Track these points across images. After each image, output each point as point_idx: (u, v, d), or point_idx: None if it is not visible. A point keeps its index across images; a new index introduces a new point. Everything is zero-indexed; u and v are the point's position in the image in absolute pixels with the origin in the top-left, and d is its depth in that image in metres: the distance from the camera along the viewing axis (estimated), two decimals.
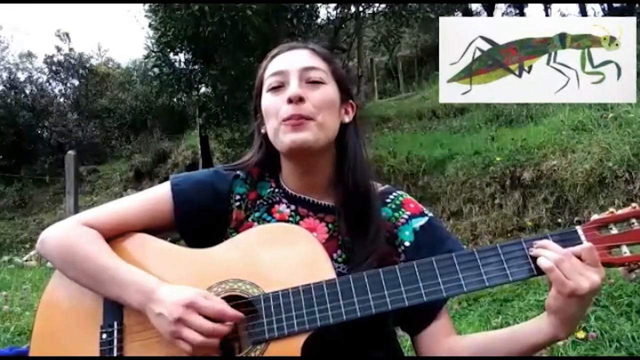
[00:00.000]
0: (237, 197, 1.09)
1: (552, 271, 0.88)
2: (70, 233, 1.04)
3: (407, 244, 1.06)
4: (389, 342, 1.09)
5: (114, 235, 1.06)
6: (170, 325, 0.90)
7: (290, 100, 1.01)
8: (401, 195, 1.13)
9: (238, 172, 1.12)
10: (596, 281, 0.87)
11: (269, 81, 1.07)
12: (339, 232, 1.06)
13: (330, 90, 1.06)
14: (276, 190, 1.12)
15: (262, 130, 1.10)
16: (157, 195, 1.10)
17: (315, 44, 1.13)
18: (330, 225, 1.07)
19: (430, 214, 1.11)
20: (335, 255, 1.04)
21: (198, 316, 0.89)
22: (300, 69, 1.04)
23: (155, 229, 1.09)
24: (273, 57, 1.10)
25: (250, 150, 1.15)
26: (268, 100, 1.06)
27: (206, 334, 0.89)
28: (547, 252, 0.90)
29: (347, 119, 1.09)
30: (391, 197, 1.12)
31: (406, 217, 1.09)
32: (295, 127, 1.00)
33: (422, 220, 1.08)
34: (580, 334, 2.50)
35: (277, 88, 1.05)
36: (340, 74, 1.11)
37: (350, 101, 1.12)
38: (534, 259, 0.91)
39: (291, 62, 1.06)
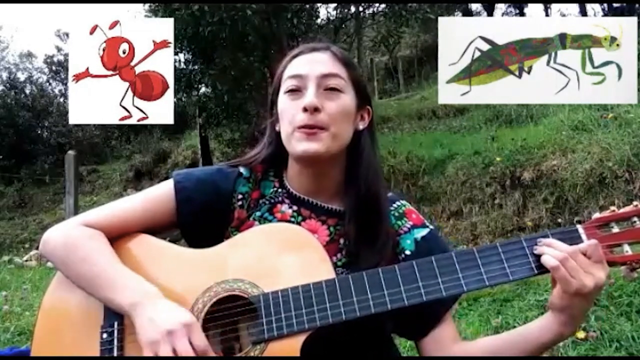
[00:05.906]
0: (240, 196, 1.09)
1: (557, 269, 0.87)
2: (72, 234, 1.03)
3: (407, 252, 1.07)
4: (387, 342, 1.09)
5: (116, 236, 1.05)
6: (157, 334, 0.87)
7: (305, 109, 1.00)
8: (404, 205, 1.13)
9: (241, 170, 1.11)
10: (601, 278, 0.87)
11: (287, 83, 1.06)
12: (340, 236, 1.06)
13: (347, 99, 1.05)
14: (279, 190, 1.11)
15: (277, 128, 1.10)
16: (160, 193, 1.09)
17: (336, 46, 1.11)
18: (332, 229, 1.07)
19: (432, 226, 1.12)
20: (335, 259, 1.04)
21: (187, 340, 0.86)
22: (320, 75, 1.03)
23: (157, 228, 1.09)
24: (294, 57, 1.09)
25: (259, 146, 1.14)
26: (284, 103, 1.05)
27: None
28: (552, 250, 0.89)
29: (361, 126, 1.09)
30: (394, 205, 1.12)
31: (408, 226, 1.10)
32: (308, 136, 1.00)
33: (424, 232, 1.09)
34: (580, 334, 2.50)
35: (294, 91, 1.04)
36: (359, 80, 1.10)
37: (367, 107, 1.11)
38: (536, 257, 0.91)
39: (311, 67, 1.05)
